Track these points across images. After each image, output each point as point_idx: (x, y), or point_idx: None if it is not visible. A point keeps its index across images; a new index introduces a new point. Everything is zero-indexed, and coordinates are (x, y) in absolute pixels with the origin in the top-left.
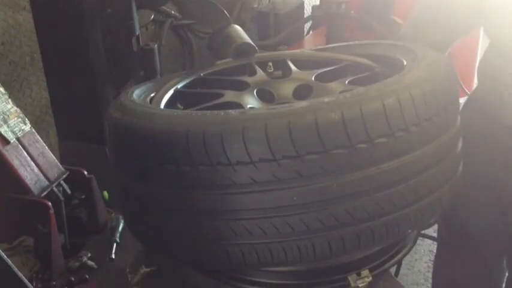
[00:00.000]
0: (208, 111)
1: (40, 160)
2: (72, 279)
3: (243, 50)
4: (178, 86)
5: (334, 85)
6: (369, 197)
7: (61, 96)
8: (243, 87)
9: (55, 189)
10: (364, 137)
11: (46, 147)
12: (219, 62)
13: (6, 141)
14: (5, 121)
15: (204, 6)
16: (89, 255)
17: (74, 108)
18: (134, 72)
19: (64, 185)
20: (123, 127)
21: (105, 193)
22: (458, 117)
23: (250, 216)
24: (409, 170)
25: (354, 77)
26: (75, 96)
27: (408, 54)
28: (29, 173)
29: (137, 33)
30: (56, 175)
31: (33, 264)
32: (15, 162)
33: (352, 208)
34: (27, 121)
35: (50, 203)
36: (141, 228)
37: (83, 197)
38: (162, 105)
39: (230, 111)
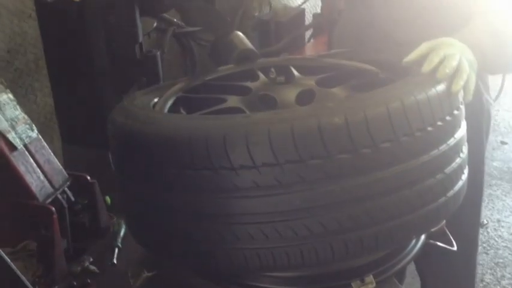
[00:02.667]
0: (211, 116)
1: (46, 167)
2: (74, 283)
3: (246, 56)
4: (181, 91)
5: (337, 90)
6: (372, 202)
7: (65, 102)
8: (245, 92)
9: (59, 197)
10: (368, 141)
11: (52, 154)
12: (221, 68)
13: (14, 148)
14: (13, 127)
15: (206, 13)
16: (91, 259)
17: (77, 114)
18: (137, 79)
19: (68, 192)
20: (126, 131)
21: (108, 198)
22: (464, 122)
23: (253, 221)
24: (413, 175)
25: (357, 83)
26: (79, 102)
27: None
28: (35, 180)
29: (140, 41)
30: (61, 182)
31: (36, 268)
32: (22, 169)
33: (355, 213)
34: (34, 128)
35: (53, 208)
36: (143, 233)
37: (86, 202)
38: (165, 110)
39: (233, 115)
